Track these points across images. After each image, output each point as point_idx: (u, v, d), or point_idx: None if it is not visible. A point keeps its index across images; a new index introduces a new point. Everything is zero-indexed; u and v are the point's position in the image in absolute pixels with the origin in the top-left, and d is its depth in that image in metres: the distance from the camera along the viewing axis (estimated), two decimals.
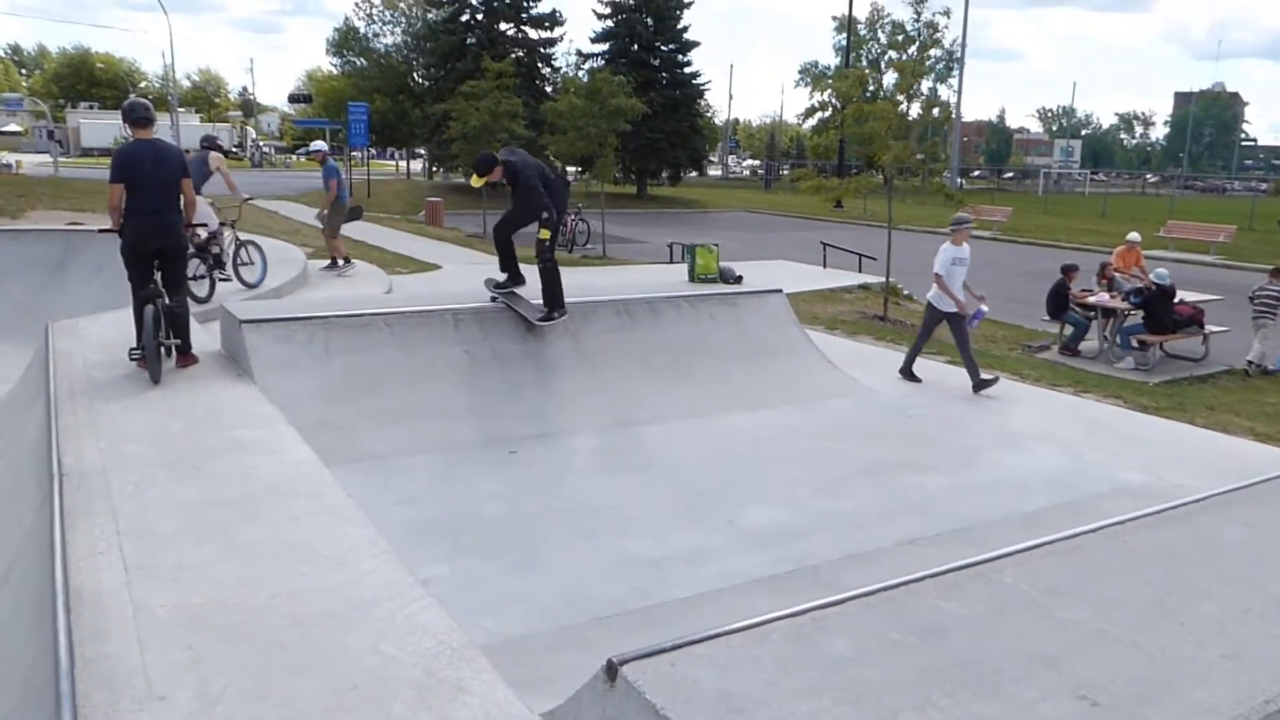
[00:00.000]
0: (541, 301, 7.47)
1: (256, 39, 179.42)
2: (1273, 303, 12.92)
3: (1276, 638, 2.80)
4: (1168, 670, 2.61)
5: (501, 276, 7.79)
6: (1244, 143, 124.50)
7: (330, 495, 4.25)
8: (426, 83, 43.86)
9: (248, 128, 72.59)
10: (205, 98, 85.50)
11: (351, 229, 15.12)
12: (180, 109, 57.11)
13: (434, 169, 44.96)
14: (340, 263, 13.65)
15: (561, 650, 3.82)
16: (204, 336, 6.93)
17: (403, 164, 55.32)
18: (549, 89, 39.85)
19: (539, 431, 6.61)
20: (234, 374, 6.24)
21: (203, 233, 9.55)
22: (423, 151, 47.78)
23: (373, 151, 48.89)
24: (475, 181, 7.68)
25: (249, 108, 78.68)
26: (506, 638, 3.90)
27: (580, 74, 38.83)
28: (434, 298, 8.13)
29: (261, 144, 71.33)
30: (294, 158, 65.43)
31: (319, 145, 14.91)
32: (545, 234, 7.36)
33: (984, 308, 9.76)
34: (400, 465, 5.81)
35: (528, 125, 25.01)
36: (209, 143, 11.82)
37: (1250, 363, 12.64)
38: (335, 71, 55.64)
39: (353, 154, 40.37)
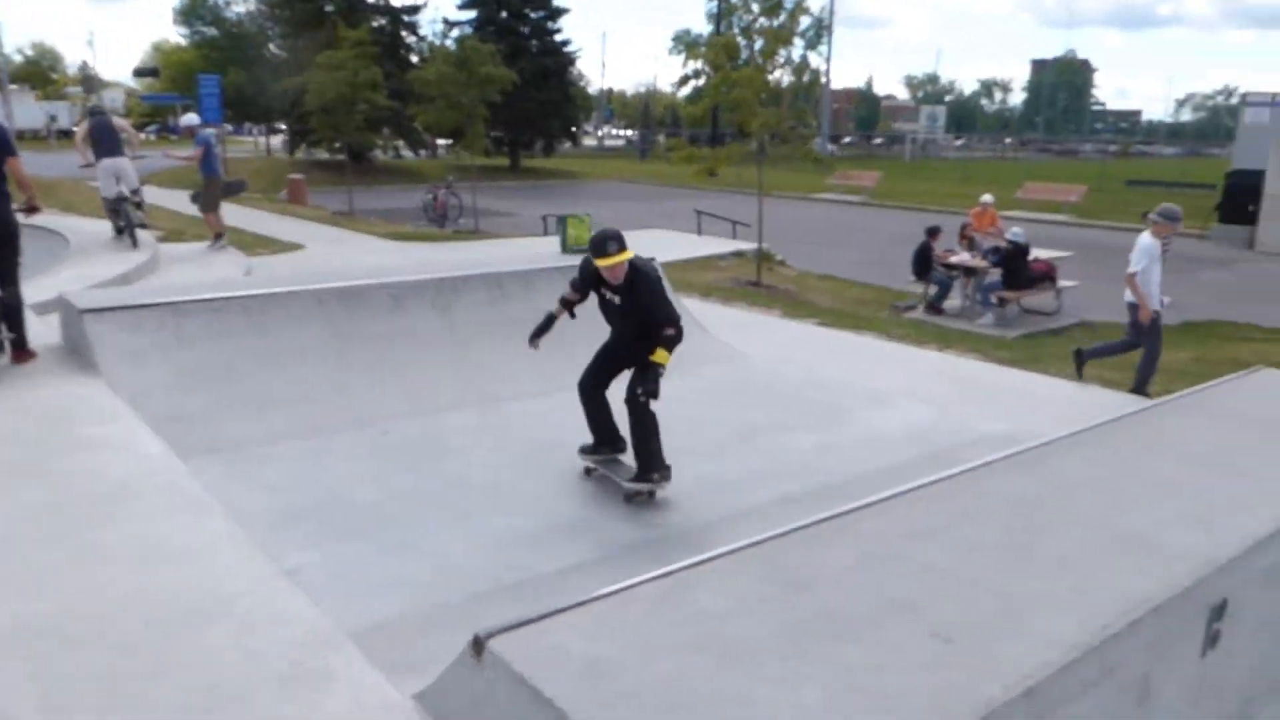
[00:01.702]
0: (634, 459, 5.40)
1: (96, 9, 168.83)
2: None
3: (1116, 569, 2.96)
4: (1017, 605, 2.74)
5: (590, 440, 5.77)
6: (1094, 107, 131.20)
7: (186, 489, 4.07)
8: (283, 53, 42.15)
9: (90, 104, 68.48)
10: (40, 73, 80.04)
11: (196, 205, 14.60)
12: (12, 86, 53.36)
13: (295, 145, 43.34)
14: (219, 239, 13.26)
15: (437, 630, 3.76)
16: (41, 329, 6.53)
17: (262, 140, 53.04)
18: (414, 58, 38.85)
19: (411, 410, 6.47)
20: (77, 368, 5.89)
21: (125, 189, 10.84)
22: (283, 126, 45.95)
23: (229, 127, 46.80)
24: (603, 262, 5.03)
25: (90, 83, 73.96)
26: (379, 622, 3.81)
27: (447, 42, 37.96)
28: (297, 278, 7.85)
29: (183, 120, 67.35)
30: (144, 135, 61.97)
31: (189, 119, 14.47)
32: (664, 357, 5.20)
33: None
34: (263, 453, 5.60)
35: (392, 96, 24.34)
36: (100, 110, 12.19)
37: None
38: (184, 43, 52.91)
39: (207, 130, 38.63)
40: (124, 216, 11.82)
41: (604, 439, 5.72)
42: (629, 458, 5.51)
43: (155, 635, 2.92)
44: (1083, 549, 3.12)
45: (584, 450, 5.75)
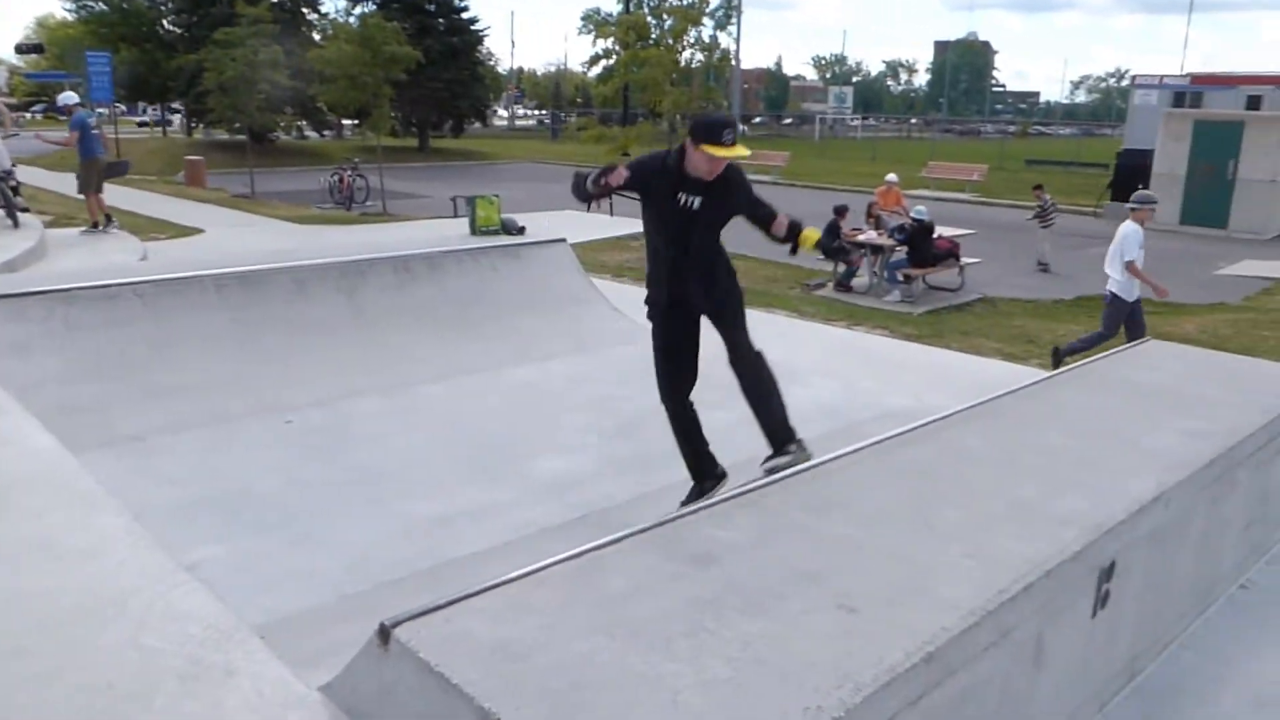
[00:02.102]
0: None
1: None
2: (1046, 210, 16.84)
3: (1010, 535, 3.07)
4: (918, 573, 2.81)
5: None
6: (995, 89, 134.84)
7: (78, 484, 3.90)
8: (178, 30, 40.57)
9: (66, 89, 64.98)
10: None
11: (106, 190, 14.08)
12: None
13: (193, 125, 41.84)
14: (102, 223, 12.72)
15: (346, 620, 3.70)
16: None
17: (157, 119, 51.06)
18: (317, 36, 37.80)
19: (317, 398, 6.33)
20: None
21: None
22: (179, 106, 44.28)
23: (121, 107, 44.86)
24: (721, 152, 4.17)
25: None
26: (285, 615, 3.74)
27: (350, 20, 36.99)
28: (195, 263, 7.59)
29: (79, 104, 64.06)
30: (28, 115, 59.10)
31: (66, 97, 13.94)
32: (814, 233, 4.84)
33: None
34: (162, 445, 5.42)
35: (294, 75, 23.67)
36: None
37: (1039, 263, 16.59)
38: (70, 18, 50.38)
39: (99, 110, 36.99)
40: (2, 196, 11.37)
41: (706, 466, 4.85)
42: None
43: (46, 636, 2.80)
44: (979, 517, 3.23)
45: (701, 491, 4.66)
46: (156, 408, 5.75)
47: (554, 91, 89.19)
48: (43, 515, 3.60)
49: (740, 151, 4.23)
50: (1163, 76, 30.90)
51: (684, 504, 4.55)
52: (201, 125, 39.20)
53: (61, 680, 2.61)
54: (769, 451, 4.46)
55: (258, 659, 2.77)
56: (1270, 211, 21.78)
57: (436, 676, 2.24)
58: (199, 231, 14.89)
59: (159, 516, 4.14)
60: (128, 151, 32.60)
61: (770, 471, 4.20)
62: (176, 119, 49.07)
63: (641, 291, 10.40)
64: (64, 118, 14.46)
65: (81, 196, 13.45)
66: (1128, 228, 8.47)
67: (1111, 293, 8.48)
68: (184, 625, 2.91)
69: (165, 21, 43.51)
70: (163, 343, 6.21)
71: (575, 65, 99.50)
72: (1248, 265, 17.44)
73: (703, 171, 4.30)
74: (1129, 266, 8.32)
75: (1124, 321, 8.46)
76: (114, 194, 19.90)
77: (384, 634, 2.42)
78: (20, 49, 55.18)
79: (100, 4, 45.47)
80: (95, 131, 13.59)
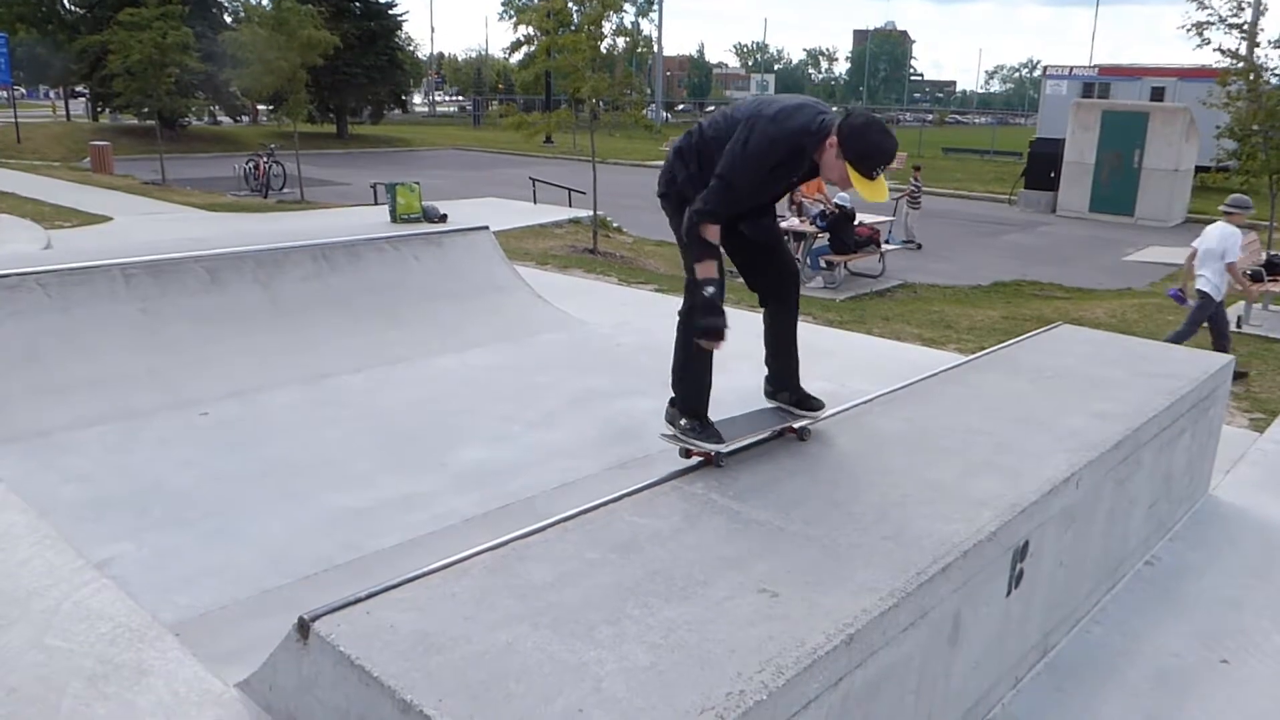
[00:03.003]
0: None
1: None
2: (916, 192, 17.51)
3: (927, 517, 3.14)
4: (837, 557, 2.86)
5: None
6: (913, 78, 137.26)
7: None
8: (80, 10, 38.96)
9: None
10: None
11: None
12: None
13: (98, 109, 40.27)
14: None
15: (265, 616, 3.62)
16: None
17: (60, 104, 48.99)
18: (228, 18, 36.68)
19: (232, 390, 6.16)
20: None
21: None
22: (83, 90, 42.60)
23: (21, 91, 43.01)
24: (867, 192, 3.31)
25: None
26: (201, 611, 3.64)
27: (264, 2, 35.98)
28: (103, 253, 7.31)
29: None
30: None
31: None
32: None
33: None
34: (68, 440, 5.22)
35: (204, 58, 22.94)
36: None
37: (906, 241, 17.10)
38: None
39: None
40: None
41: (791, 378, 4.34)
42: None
43: None
44: (897, 500, 3.29)
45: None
46: (62, 402, 5.53)
47: (475, 78, 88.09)
48: None
49: (880, 194, 3.36)
50: (1072, 68, 31.83)
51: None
52: (108, 110, 37.73)
53: None
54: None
55: (171, 657, 2.70)
56: (1173, 200, 22.62)
57: (357, 669, 2.20)
58: (106, 219, 14.34)
59: (66, 514, 4.00)
60: (29, 136, 31.33)
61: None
62: (80, 102, 47.17)
63: (566, 278, 10.36)
64: None
65: None
66: (1226, 229, 8.39)
67: (1202, 292, 8.54)
68: (93, 625, 2.83)
69: (66, 1, 41.74)
70: (69, 335, 5.97)
71: (496, 51, 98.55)
72: (1153, 252, 18.09)
73: (831, 176, 3.47)
74: (1230, 268, 8.28)
75: (1207, 320, 8.35)
76: (12, 180, 19.12)
77: (303, 628, 2.37)
78: None
79: None
80: None
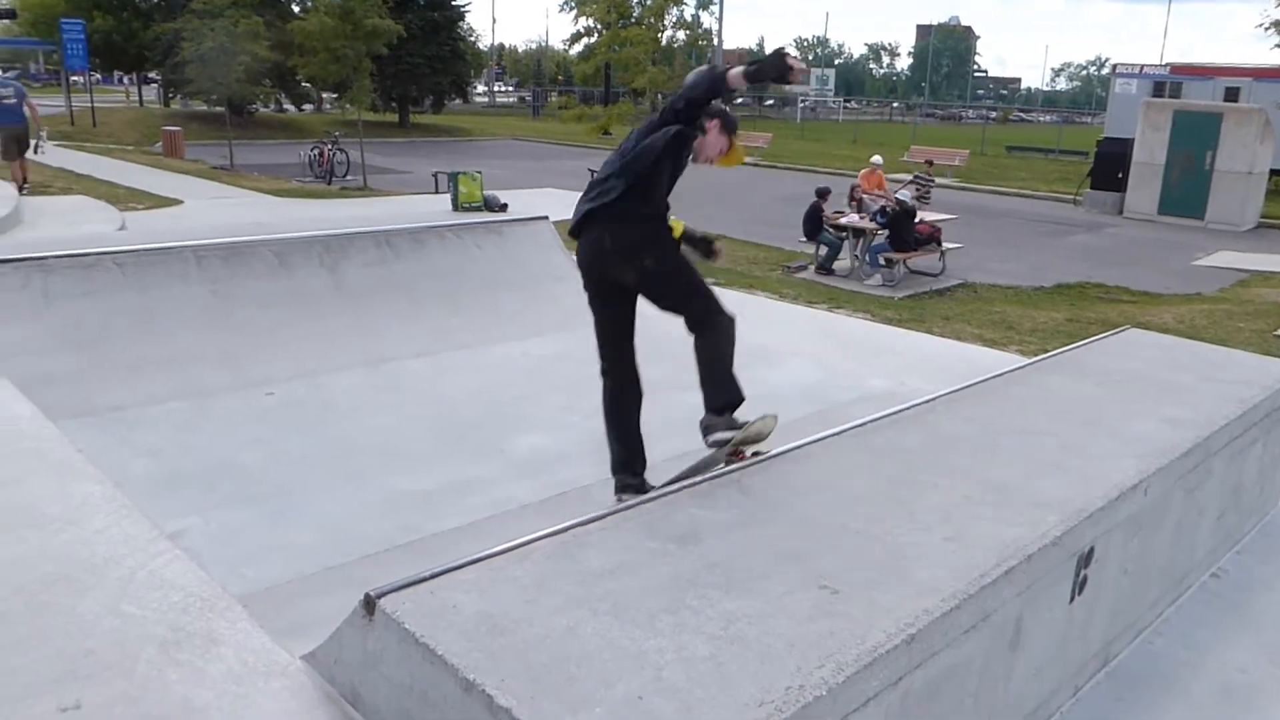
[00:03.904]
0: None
1: None
2: (925, 183, 17.17)
3: (991, 519, 3.10)
4: (898, 556, 2.84)
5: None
6: (976, 74, 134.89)
7: (56, 452, 3.87)
8: None
9: None
10: None
11: (66, 159, 14.43)
12: None
13: (170, 95, 41.23)
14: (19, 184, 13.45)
15: (327, 592, 3.70)
16: None
17: (134, 90, 50.26)
18: (296, 8, 37.28)
19: (298, 372, 6.29)
20: None
21: None
22: (156, 76, 43.62)
23: (97, 76, 44.17)
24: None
25: None
26: (267, 585, 3.73)
27: None
28: (174, 234, 7.51)
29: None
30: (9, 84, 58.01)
31: None
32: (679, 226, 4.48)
33: None
34: (142, 416, 5.37)
35: (272, 47, 23.37)
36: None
37: None
38: None
39: (74, 79, 36.39)
40: None
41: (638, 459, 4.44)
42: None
43: (24, 603, 2.79)
44: (960, 501, 3.26)
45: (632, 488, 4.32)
46: (136, 379, 5.69)
47: (535, 69, 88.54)
48: (21, 481, 3.57)
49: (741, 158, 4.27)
50: (1143, 66, 31.04)
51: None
52: (179, 96, 38.61)
53: (40, 646, 2.60)
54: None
55: (240, 628, 2.77)
56: (1246, 203, 21.99)
57: (421, 647, 2.24)
58: (178, 203, 14.71)
59: (139, 487, 4.10)
60: (104, 121, 32.20)
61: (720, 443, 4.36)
62: (153, 88, 48.30)
63: None
64: (38, 84, 14.81)
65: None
66: None
67: None
68: (166, 593, 2.90)
69: None
70: (143, 314, 6.14)
71: (556, 43, 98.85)
72: (1224, 256, 17.62)
73: (711, 154, 4.36)
74: None
75: None
76: (89, 163, 19.67)
77: (369, 604, 2.42)
78: None
79: None
80: (11, 101, 14.05)
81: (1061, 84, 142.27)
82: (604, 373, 4.50)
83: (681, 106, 4.03)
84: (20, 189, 13.49)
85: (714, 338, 4.44)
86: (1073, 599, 3.27)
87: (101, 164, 19.87)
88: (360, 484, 4.84)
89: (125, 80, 55.82)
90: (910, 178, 17.31)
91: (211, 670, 2.56)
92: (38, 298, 5.84)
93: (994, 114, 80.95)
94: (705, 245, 4.56)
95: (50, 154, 20.32)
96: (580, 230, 4.37)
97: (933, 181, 17.73)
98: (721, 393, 4.38)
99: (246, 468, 4.92)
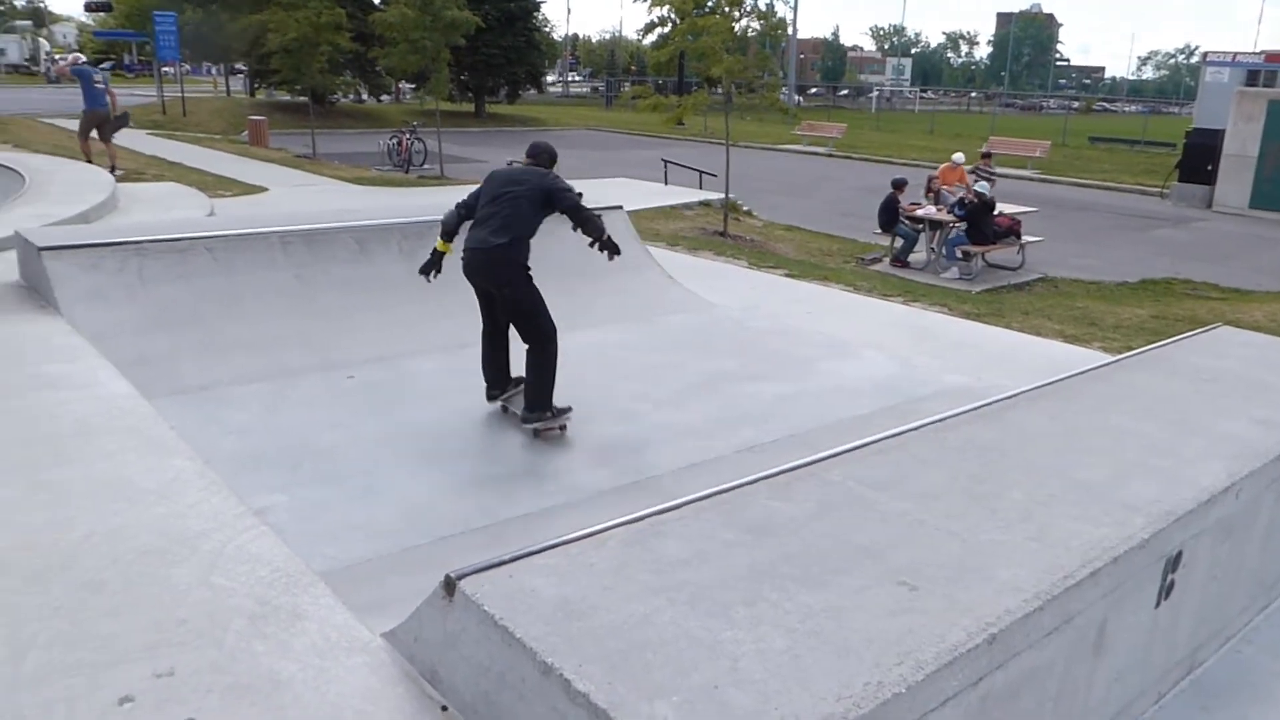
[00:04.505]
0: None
1: None
2: (986, 175, 16.28)
3: (1075, 519, 3.03)
4: (979, 554, 2.79)
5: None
6: (1058, 62, 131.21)
7: (150, 429, 4.03)
8: None
9: (40, 40, 66.12)
10: None
11: (159, 147, 15.06)
12: None
13: (256, 85, 42.28)
14: (101, 165, 14.17)
15: (405, 571, 3.78)
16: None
17: (221, 80, 51.68)
18: (377, 0, 37.90)
19: (377, 356, 6.42)
20: (35, 306, 5.77)
21: None
22: (243, 67, 44.78)
23: (187, 67, 45.49)
24: None
25: (40, 17, 71.48)
26: (347, 563, 3.83)
27: None
28: (260, 220, 7.72)
29: (57, 57, 65.44)
30: (97, 73, 60.16)
31: (77, 56, 16.55)
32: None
33: None
34: (229, 396, 5.54)
35: (355, 38, 23.78)
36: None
37: None
38: None
39: (165, 69, 37.51)
40: None
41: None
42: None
43: (120, 572, 2.91)
44: (1043, 499, 3.19)
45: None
46: (224, 360, 5.87)
47: (608, 59, 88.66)
48: (118, 457, 3.72)
49: None
50: (1235, 54, 29.84)
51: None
52: (264, 86, 39.55)
53: (135, 614, 2.71)
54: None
55: (323, 604, 2.85)
56: None
57: (500, 630, 2.28)
58: (263, 190, 15.08)
59: (226, 464, 4.24)
60: (193, 110, 33.15)
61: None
62: (239, 79, 49.60)
63: (696, 260, 10.40)
64: (131, 75, 15.62)
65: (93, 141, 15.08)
66: None
67: None
68: (253, 568, 3.00)
69: None
70: (230, 297, 6.33)
71: (630, 33, 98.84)
72: None
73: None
74: None
75: None
76: (179, 151, 20.30)
77: (449, 586, 2.46)
78: (89, 7, 55.91)
79: None
80: (99, 86, 14.80)
81: (1148, 73, 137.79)
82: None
83: (568, 208, 5.43)
84: (112, 171, 14.11)
85: (543, 357, 5.41)
86: (1158, 603, 3.18)
87: (191, 152, 20.47)
88: (437, 467, 4.93)
89: (213, 71, 57.43)
90: (970, 168, 16.84)
91: (296, 644, 2.64)
92: (134, 280, 6.05)
93: (1076, 104, 78.75)
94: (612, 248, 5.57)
95: (143, 142, 21.03)
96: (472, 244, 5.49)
97: (993, 174, 17.17)
98: (540, 397, 5.39)
99: (328, 448, 5.05)
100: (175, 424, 4.14)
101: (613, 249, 5.56)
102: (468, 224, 5.66)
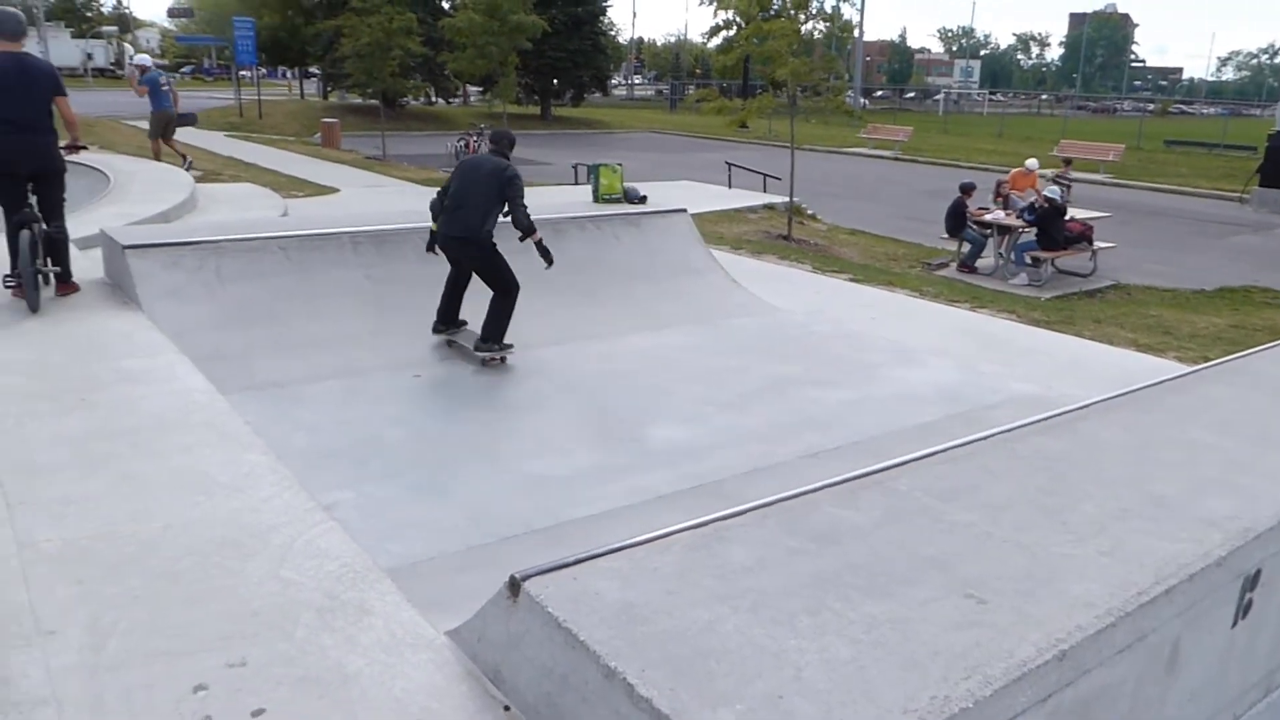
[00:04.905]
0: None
1: None
2: (1065, 184, 15.56)
3: (1149, 534, 2.95)
4: (1049, 567, 2.74)
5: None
6: (1134, 64, 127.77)
7: (226, 423, 4.13)
8: None
9: (124, 44, 68.33)
10: (74, 11, 79.82)
11: (235, 149, 15.54)
12: (47, 23, 53.41)
13: (328, 88, 43.19)
14: (180, 163, 14.85)
15: (467, 570, 3.83)
16: (85, 264, 6.61)
17: (295, 83, 52.94)
18: (446, 5, 38.44)
19: (441, 355, 6.52)
20: (119, 302, 5.97)
21: None
22: (316, 71, 45.77)
23: (263, 70, 46.64)
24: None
25: (125, 23, 73.87)
26: (412, 560, 3.89)
27: None
28: (332, 221, 7.88)
29: (152, 66, 67.66)
30: (177, 76, 62.14)
31: (141, 59, 17.31)
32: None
33: None
34: (300, 392, 5.67)
35: (425, 43, 24.17)
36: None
37: None
38: None
39: (242, 73, 38.49)
40: None
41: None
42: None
43: (196, 563, 2.99)
44: (1116, 513, 3.11)
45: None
46: (296, 357, 6.01)
47: (673, 62, 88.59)
48: (194, 450, 3.83)
49: None
50: None
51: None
52: (337, 89, 40.38)
53: (210, 604, 2.78)
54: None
55: (389, 600, 2.89)
56: None
57: (564, 632, 2.29)
58: (334, 191, 15.40)
59: (297, 459, 4.34)
60: (269, 113, 33.97)
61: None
62: (313, 82, 50.73)
63: (760, 264, 10.35)
64: (210, 78, 16.15)
65: (149, 139, 15.78)
66: None
67: None
68: (322, 563, 3.06)
69: None
70: (302, 295, 6.48)
71: (695, 35, 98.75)
72: None
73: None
74: None
75: None
76: (254, 153, 20.81)
77: (514, 586, 2.48)
78: (172, 13, 57.87)
79: None
80: (165, 89, 15.51)
81: (1228, 74, 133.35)
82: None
83: (511, 198, 6.34)
84: (187, 166, 14.86)
85: (504, 303, 6.45)
86: (1235, 623, 3.08)
87: (266, 153, 20.98)
88: (500, 467, 4.98)
89: (288, 74, 58.86)
90: (1053, 174, 16.45)
91: (363, 639, 2.69)
92: (212, 278, 6.23)
93: (1152, 106, 76.61)
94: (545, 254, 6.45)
95: (220, 144, 21.61)
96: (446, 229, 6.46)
97: (1069, 180, 16.71)
98: (494, 332, 6.43)
99: (394, 445, 5.13)
100: (249, 419, 4.24)
101: (545, 254, 6.43)
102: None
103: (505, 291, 6.42)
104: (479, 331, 6.48)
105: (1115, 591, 2.58)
